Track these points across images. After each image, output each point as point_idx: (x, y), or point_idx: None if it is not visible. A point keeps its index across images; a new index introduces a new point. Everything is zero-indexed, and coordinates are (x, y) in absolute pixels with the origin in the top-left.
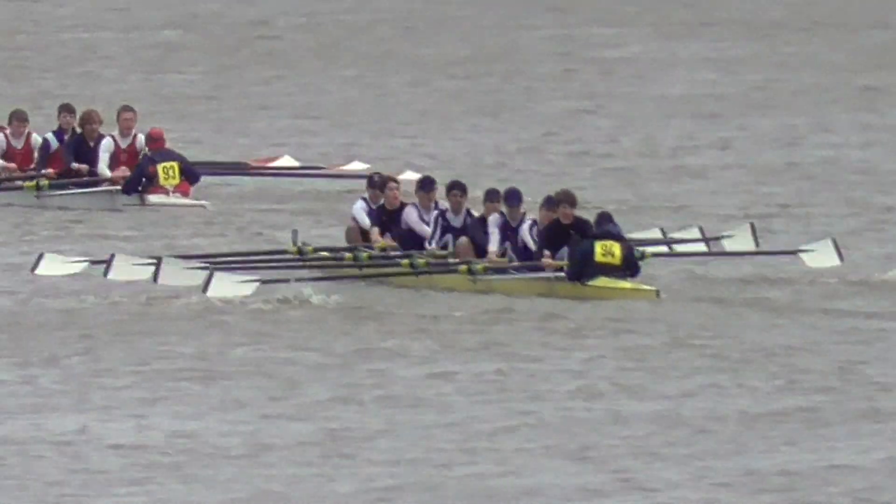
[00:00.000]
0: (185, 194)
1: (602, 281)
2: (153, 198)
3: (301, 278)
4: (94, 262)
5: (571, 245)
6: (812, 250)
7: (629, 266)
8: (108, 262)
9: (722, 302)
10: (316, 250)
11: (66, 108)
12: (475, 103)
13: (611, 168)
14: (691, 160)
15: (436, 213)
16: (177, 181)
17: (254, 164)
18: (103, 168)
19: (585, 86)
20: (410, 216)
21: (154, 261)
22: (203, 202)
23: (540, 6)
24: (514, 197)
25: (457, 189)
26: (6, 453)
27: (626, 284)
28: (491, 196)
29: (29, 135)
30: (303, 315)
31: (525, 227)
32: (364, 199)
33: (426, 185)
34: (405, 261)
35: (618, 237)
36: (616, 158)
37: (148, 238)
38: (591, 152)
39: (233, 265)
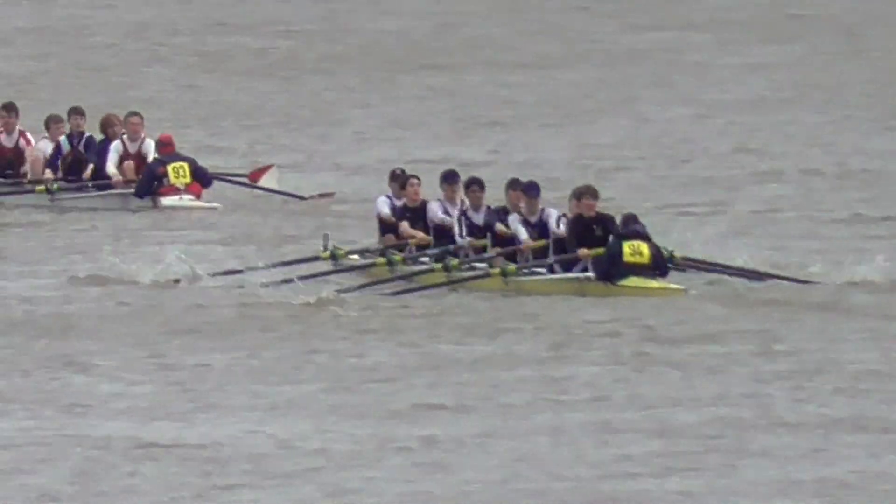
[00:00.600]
0: (198, 196)
1: (632, 280)
2: (166, 200)
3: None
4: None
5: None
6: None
7: (657, 265)
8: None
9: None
10: (347, 254)
11: (76, 111)
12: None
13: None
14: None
15: (457, 213)
16: (188, 180)
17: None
18: (110, 167)
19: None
20: (435, 212)
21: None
22: (215, 204)
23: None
24: (532, 189)
25: (475, 185)
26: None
27: (654, 284)
28: (514, 185)
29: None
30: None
31: (552, 220)
32: (388, 196)
33: (449, 178)
34: (438, 265)
35: (645, 237)
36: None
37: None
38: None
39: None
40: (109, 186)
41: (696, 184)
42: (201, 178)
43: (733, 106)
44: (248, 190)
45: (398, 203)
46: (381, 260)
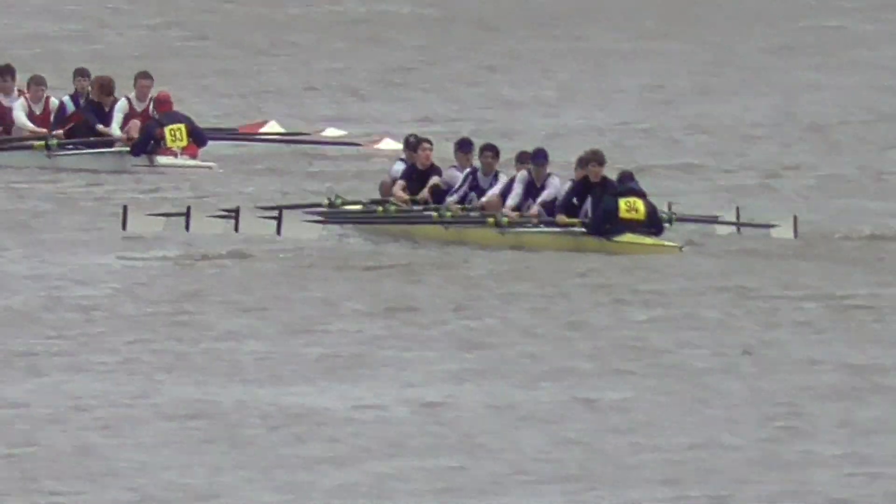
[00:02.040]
0: (193, 156)
1: (627, 237)
2: (162, 159)
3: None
4: (171, 216)
5: (593, 202)
6: (777, 225)
7: (653, 223)
8: (186, 216)
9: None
10: (346, 203)
11: (81, 73)
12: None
13: None
14: None
15: (467, 170)
16: (184, 143)
17: (242, 131)
18: (115, 128)
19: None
20: (455, 177)
21: (231, 212)
22: (210, 164)
23: None
24: (540, 156)
25: (489, 150)
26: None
27: (649, 240)
28: (522, 157)
29: (47, 99)
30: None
31: (553, 187)
32: (402, 159)
33: (464, 145)
34: (435, 213)
35: (640, 193)
36: None
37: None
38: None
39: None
40: (107, 144)
41: None
42: (197, 139)
43: None
44: (244, 148)
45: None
46: (380, 209)
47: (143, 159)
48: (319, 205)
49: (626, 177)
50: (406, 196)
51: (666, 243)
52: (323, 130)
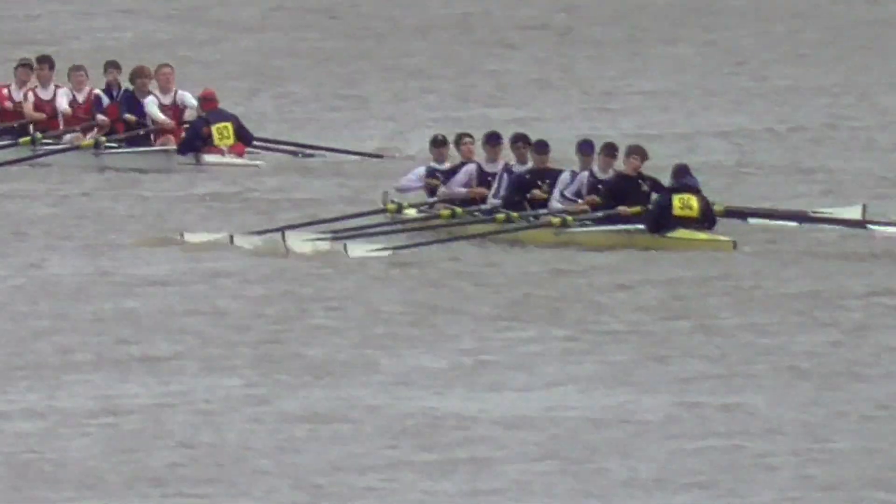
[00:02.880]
0: (240, 155)
1: (680, 232)
2: (209, 157)
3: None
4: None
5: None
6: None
7: (706, 218)
8: (282, 239)
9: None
10: (402, 207)
11: (113, 65)
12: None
13: None
14: None
15: (501, 165)
16: (231, 141)
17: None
18: (156, 113)
19: None
20: (471, 174)
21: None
22: (257, 162)
23: None
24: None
25: (520, 141)
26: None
27: (702, 236)
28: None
29: (91, 89)
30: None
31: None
32: (426, 166)
33: (492, 139)
34: (500, 215)
35: (695, 190)
36: None
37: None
38: None
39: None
40: (151, 142)
41: None
42: (244, 137)
43: None
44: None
45: (438, 166)
46: (446, 212)
47: (189, 158)
48: (379, 211)
49: (682, 171)
50: (484, 191)
51: (720, 238)
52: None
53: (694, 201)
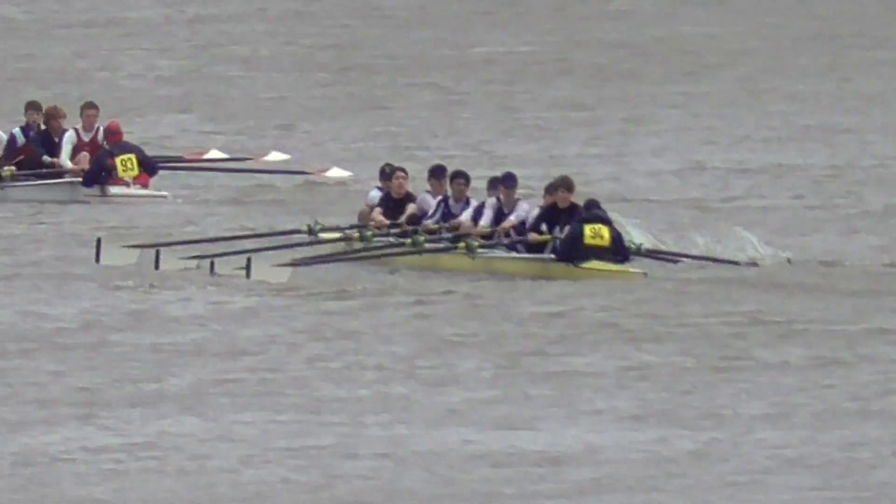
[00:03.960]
0: (145, 185)
1: (593, 263)
2: (114, 189)
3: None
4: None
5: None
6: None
7: (618, 250)
8: (156, 257)
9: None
10: (325, 230)
11: (33, 106)
12: None
13: None
14: None
15: (439, 198)
16: (135, 172)
17: (188, 157)
18: (65, 159)
19: None
20: (428, 202)
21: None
22: (164, 193)
23: None
24: (510, 179)
25: (461, 178)
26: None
27: (614, 267)
28: (494, 183)
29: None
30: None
31: (521, 211)
32: (378, 188)
33: (437, 172)
34: (409, 240)
35: (606, 220)
36: None
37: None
38: None
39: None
40: (58, 176)
41: None
42: (148, 168)
43: None
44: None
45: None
46: (356, 234)
47: (95, 190)
48: (298, 231)
49: (593, 204)
50: (385, 220)
51: (630, 270)
52: (266, 154)
53: (605, 231)
